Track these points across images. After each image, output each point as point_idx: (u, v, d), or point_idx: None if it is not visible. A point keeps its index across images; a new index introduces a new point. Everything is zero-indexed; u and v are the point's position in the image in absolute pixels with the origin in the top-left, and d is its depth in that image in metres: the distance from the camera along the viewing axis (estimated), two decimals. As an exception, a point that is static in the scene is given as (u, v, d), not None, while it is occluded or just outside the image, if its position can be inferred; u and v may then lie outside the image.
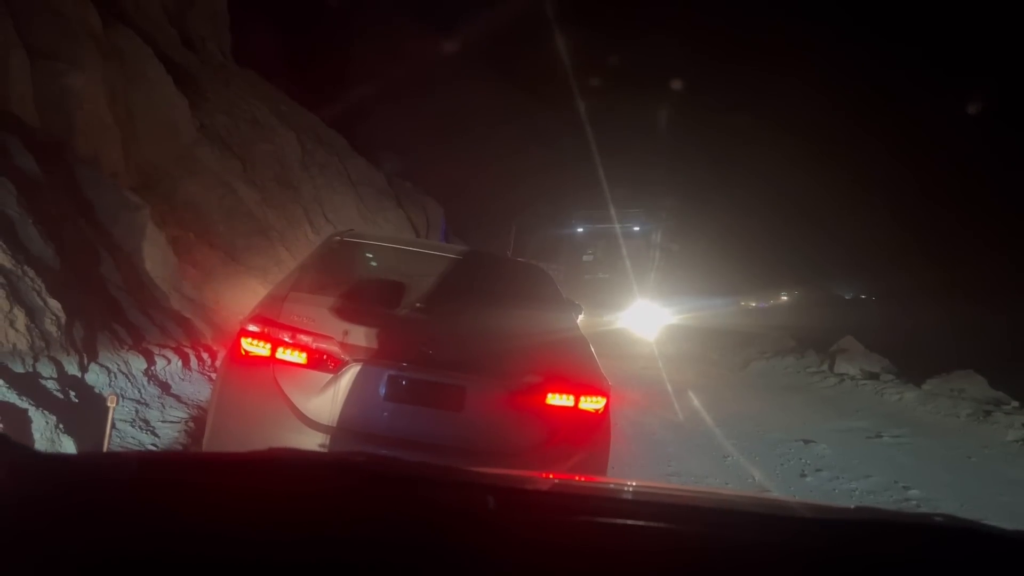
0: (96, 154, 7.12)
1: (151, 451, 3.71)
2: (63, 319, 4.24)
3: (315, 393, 2.80)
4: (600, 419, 3.03)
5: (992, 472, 6.10)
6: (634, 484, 1.32)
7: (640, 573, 0.76)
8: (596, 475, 2.94)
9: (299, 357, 2.84)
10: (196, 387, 5.09)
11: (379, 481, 0.86)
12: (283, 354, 2.84)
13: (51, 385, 3.81)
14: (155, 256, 6.52)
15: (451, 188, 17.84)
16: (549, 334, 3.42)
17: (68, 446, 3.34)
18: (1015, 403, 8.80)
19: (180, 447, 4.04)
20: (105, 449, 3.13)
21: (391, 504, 0.78)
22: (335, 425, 2.79)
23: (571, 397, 2.94)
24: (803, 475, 5.38)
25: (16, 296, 4.01)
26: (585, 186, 18.20)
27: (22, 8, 6.66)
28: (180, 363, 5.23)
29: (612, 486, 1.26)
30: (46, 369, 3.91)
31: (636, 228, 17.27)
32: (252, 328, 2.89)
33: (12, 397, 3.37)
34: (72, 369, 4.13)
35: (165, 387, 4.81)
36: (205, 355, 5.74)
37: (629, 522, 0.86)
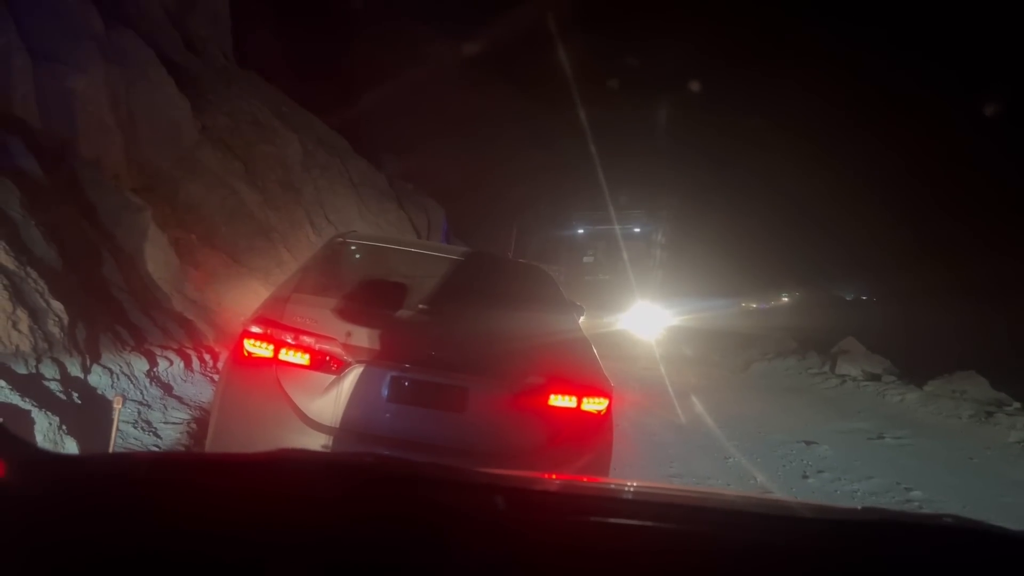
0: (98, 156, 7.13)
1: (161, 452, 3.72)
2: (66, 320, 4.25)
3: (318, 394, 2.81)
4: (603, 420, 3.03)
5: (994, 473, 6.10)
6: (641, 485, 1.32)
7: (652, 574, 0.76)
8: (599, 476, 2.94)
9: (302, 358, 2.84)
10: (198, 388, 5.10)
11: (390, 482, 0.87)
12: (286, 355, 2.84)
13: (54, 386, 3.81)
14: (157, 258, 6.53)
15: (452, 189, 17.84)
16: (551, 335, 3.42)
17: (71, 447, 3.35)
18: (1017, 404, 8.79)
19: (182, 448, 4.05)
20: (111, 450, 3.14)
21: (402, 505, 0.78)
22: (338, 426, 2.79)
23: (574, 398, 2.95)
24: (805, 476, 5.38)
25: (19, 297, 4.02)
26: (586, 187, 18.21)
27: (24, 10, 6.68)
28: (182, 364, 5.24)
29: (619, 487, 1.26)
30: (49, 370, 3.92)
31: (637, 229, 17.27)
32: (255, 329, 2.89)
33: (15, 398, 3.37)
34: (75, 370, 4.14)
35: (167, 388, 4.81)
36: (207, 356, 5.74)
37: (638, 523, 0.86)
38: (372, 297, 3.29)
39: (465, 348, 3.07)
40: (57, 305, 4.24)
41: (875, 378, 10.80)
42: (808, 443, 6.36)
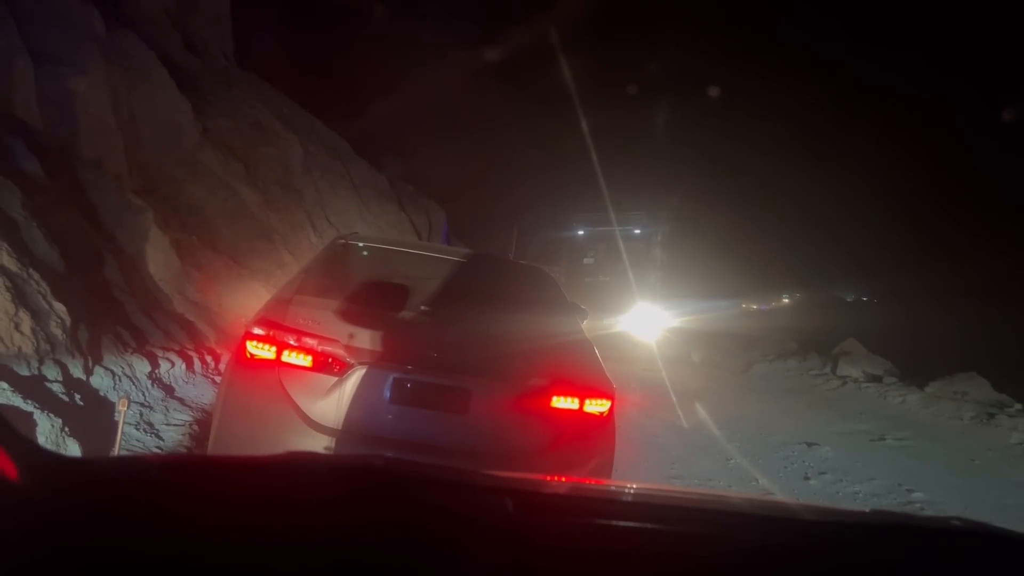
0: (99, 157, 7.14)
1: (169, 454, 3.72)
2: (68, 322, 4.25)
3: (320, 396, 2.81)
4: (605, 422, 3.03)
5: (996, 475, 6.09)
6: (645, 488, 1.32)
7: None
8: (602, 477, 2.94)
9: (304, 360, 2.84)
10: (200, 390, 5.10)
11: (399, 484, 0.87)
12: (288, 357, 2.84)
13: (56, 388, 3.81)
14: (158, 259, 6.53)
15: (453, 191, 17.86)
16: (554, 337, 3.42)
17: (73, 449, 3.35)
18: (1018, 406, 8.78)
19: (184, 450, 4.04)
20: (116, 452, 3.13)
21: (410, 508, 0.78)
22: (340, 428, 2.79)
23: (576, 400, 2.94)
24: (807, 478, 5.37)
25: (21, 299, 4.02)
26: (586, 188, 18.21)
27: (26, 12, 6.68)
28: (184, 366, 5.24)
29: (623, 490, 1.26)
30: (51, 372, 3.92)
31: (637, 231, 17.25)
32: (257, 331, 2.89)
33: (17, 400, 3.37)
34: (77, 372, 4.14)
35: (169, 390, 4.81)
36: (208, 358, 5.74)
37: (643, 526, 0.87)
38: (374, 299, 3.28)
39: (467, 350, 3.07)
40: (59, 307, 4.25)
41: (876, 379, 10.80)
42: (809, 444, 6.36)
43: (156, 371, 4.87)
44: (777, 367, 12.50)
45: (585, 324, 3.89)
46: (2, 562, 0.60)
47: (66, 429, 3.38)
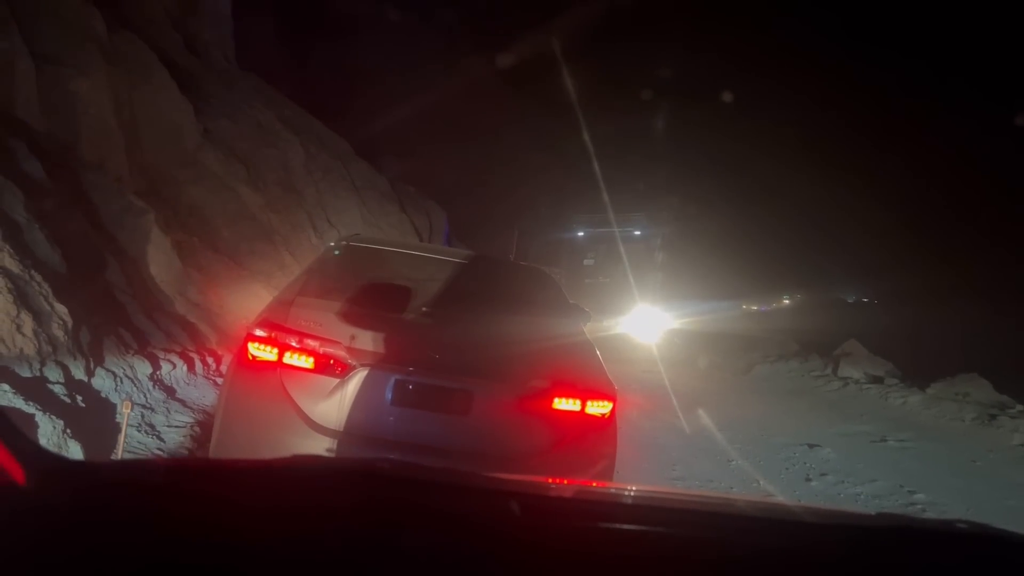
0: (101, 159, 7.14)
1: (176, 458, 3.72)
2: (69, 323, 4.25)
3: (322, 398, 2.81)
4: (607, 423, 3.03)
5: (998, 476, 6.08)
6: (649, 490, 1.32)
7: None
8: (604, 479, 2.94)
9: (306, 362, 2.84)
10: (201, 392, 5.10)
11: (405, 487, 0.87)
12: (290, 359, 2.84)
13: (58, 390, 3.81)
14: (160, 260, 6.53)
15: (454, 192, 17.88)
16: (555, 338, 3.42)
17: (75, 451, 3.34)
18: (1020, 407, 8.77)
19: (186, 452, 4.04)
20: (119, 454, 3.14)
21: (419, 511, 0.78)
22: (342, 430, 2.79)
23: (578, 402, 2.95)
24: (808, 479, 5.37)
25: (23, 300, 4.02)
26: (587, 189, 18.22)
27: (28, 14, 6.69)
28: (185, 368, 5.24)
29: (628, 493, 1.26)
30: (53, 373, 3.92)
31: (637, 232, 17.24)
32: (259, 333, 2.90)
33: (19, 402, 3.37)
34: (79, 374, 4.14)
35: (170, 392, 4.81)
36: (210, 359, 5.74)
37: (648, 529, 0.86)
38: (375, 300, 3.29)
39: (469, 351, 3.07)
40: (61, 308, 4.25)
41: (877, 381, 10.79)
42: (811, 446, 6.35)
43: (157, 373, 4.87)
44: (778, 368, 12.49)
45: (586, 326, 3.89)
46: (12, 566, 0.60)
47: (68, 431, 3.38)
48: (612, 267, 16.81)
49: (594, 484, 2.09)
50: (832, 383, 10.99)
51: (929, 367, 10.91)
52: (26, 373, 3.76)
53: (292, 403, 2.81)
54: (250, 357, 2.88)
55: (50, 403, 3.57)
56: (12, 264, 4.13)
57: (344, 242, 3.97)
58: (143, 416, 4.25)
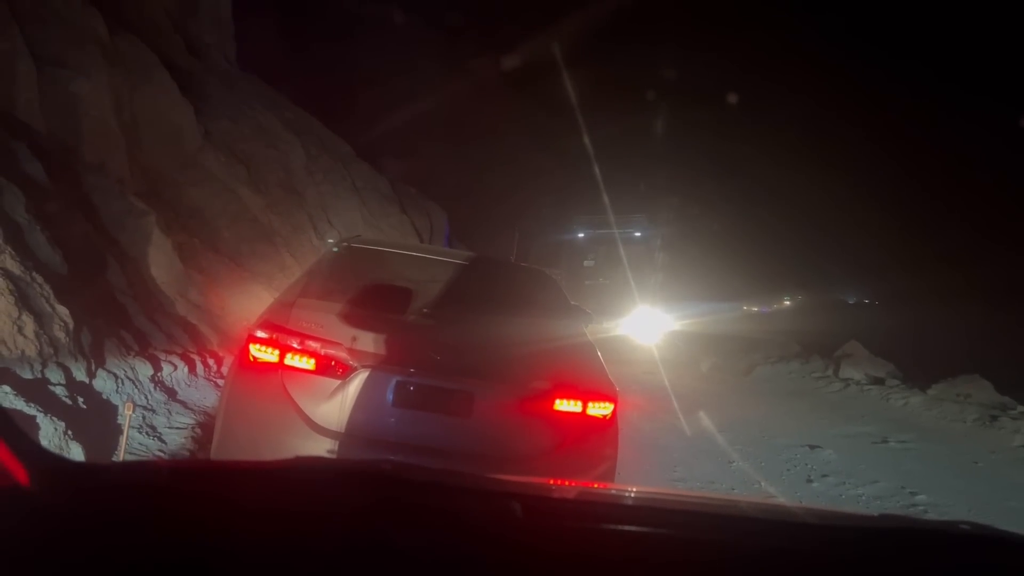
0: (102, 160, 7.15)
1: (179, 460, 3.72)
2: (71, 325, 4.25)
3: (323, 399, 2.81)
4: (608, 425, 3.03)
5: (999, 477, 6.08)
6: (652, 492, 1.32)
7: None
8: (605, 480, 2.94)
9: (307, 363, 2.84)
10: (202, 393, 5.10)
11: (407, 489, 0.87)
12: (291, 360, 2.85)
13: (59, 391, 3.81)
14: (161, 262, 6.54)
15: (455, 193, 17.89)
16: (557, 340, 3.42)
17: (76, 452, 3.34)
18: (1022, 408, 8.76)
19: (187, 453, 4.04)
20: (121, 456, 3.14)
21: (422, 513, 0.78)
22: (343, 431, 2.79)
23: (579, 403, 2.94)
24: (810, 480, 5.36)
25: (24, 302, 4.02)
26: (588, 190, 18.23)
27: (29, 15, 6.70)
28: (186, 369, 5.24)
29: (631, 494, 1.26)
30: (54, 375, 3.92)
31: (637, 233, 17.22)
32: (261, 334, 2.90)
33: (20, 403, 3.37)
34: (80, 375, 4.14)
35: (171, 393, 4.81)
36: (211, 361, 5.74)
37: (653, 531, 0.86)
38: (377, 302, 3.29)
39: (470, 353, 3.07)
40: (62, 310, 4.25)
41: (879, 382, 10.78)
42: (812, 447, 6.35)
43: (159, 374, 4.87)
44: (779, 370, 12.48)
45: (588, 327, 3.88)
46: (14, 567, 0.60)
47: (69, 432, 3.38)
48: (612, 268, 16.78)
49: (596, 485, 2.09)
50: (833, 384, 10.98)
51: (930, 368, 10.91)
52: (27, 375, 3.77)
53: (293, 404, 2.81)
54: (251, 358, 2.88)
55: (51, 405, 3.57)
56: (13, 266, 4.14)
57: (345, 243, 3.97)
58: (144, 417, 4.25)
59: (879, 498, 5.06)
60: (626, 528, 0.88)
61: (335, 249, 3.92)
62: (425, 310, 3.29)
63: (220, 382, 5.34)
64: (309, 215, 10.74)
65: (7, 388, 3.43)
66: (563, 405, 2.92)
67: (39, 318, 4.07)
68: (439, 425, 2.84)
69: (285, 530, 0.70)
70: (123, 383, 4.43)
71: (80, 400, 3.88)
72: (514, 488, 0.97)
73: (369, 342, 2.87)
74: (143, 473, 0.88)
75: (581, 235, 17.93)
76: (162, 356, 5.13)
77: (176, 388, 4.94)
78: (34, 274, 4.25)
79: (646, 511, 1.10)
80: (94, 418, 3.82)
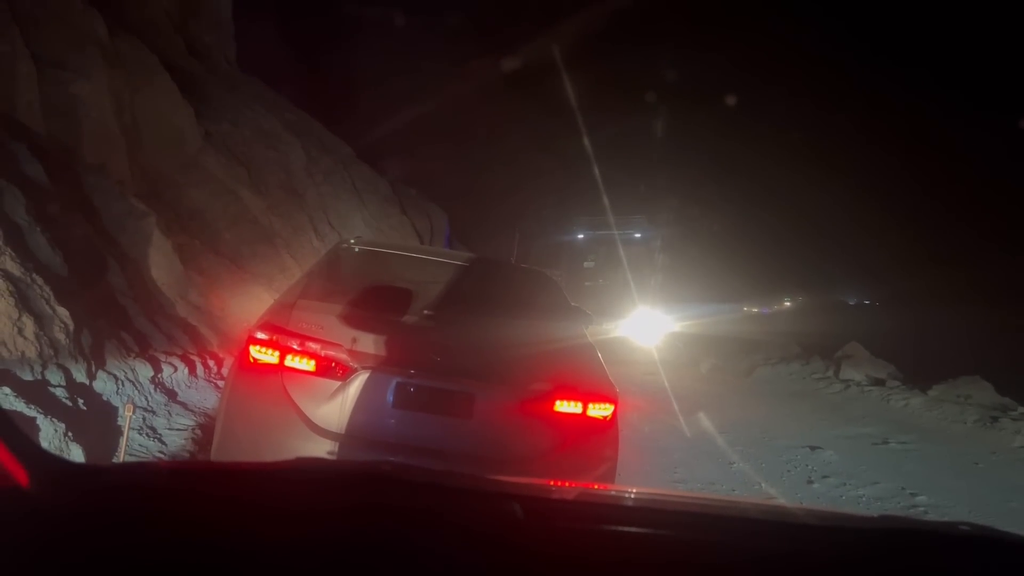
0: (103, 162, 7.15)
1: (179, 461, 3.71)
2: (71, 326, 4.25)
3: (324, 400, 2.81)
4: (608, 426, 3.03)
5: (1000, 478, 6.07)
6: (653, 493, 1.32)
7: None
8: (606, 482, 2.94)
9: (308, 364, 2.84)
10: (202, 394, 5.10)
11: (407, 490, 0.87)
12: (292, 361, 2.84)
13: (59, 393, 3.81)
14: (161, 263, 6.54)
15: (455, 194, 17.89)
16: (557, 341, 3.42)
17: (76, 454, 3.34)
18: (1022, 409, 8.76)
19: (188, 455, 4.04)
20: (121, 457, 3.13)
21: (422, 514, 0.78)
22: (343, 432, 2.79)
23: (579, 404, 2.94)
24: (810, 481, 5.36)
25: (24, 303, 4.02)
26: (588, 191, 18.24)
27: (29, 17, 6.71)
28: (186, 370, 5.24)
29: (631, 495, 1.26)
30: (54, 377, 3.92)
31: (637, 234, 17.22)
32: (261, 336, 2.89)
33: (20, 405, 3.37)
34: (80, 377, 4.14)
35: (172, 394, 4.81)
36: (211, 362, 5.74)
37: (654, 532, 0.86)
38: (377, 303, 3.28)
39: (470, 354, 3.07)
40: (62, 311, 4.25)
41: (879, 383, 10.78)
42: (813, 448, 6.34)
43: (159, 375, 4.87)
44: (780, 371, 12.47)
45: (588, 329, 3.88)
46: (15, 568, 0.59)
47: (69, 434, 3.38)
48: (612, 269, 16.78)
49: (596, 487, 2.09)
50: (834, 385, 10.98)
51: (931, 369, 10.91)
52: (28, 376, 3.77)
53: (294, 406, 2.81)
54: (252, 360, 2.88)
55: (52, 406, 3.57)
56: (13, 267, 4.14)
57: (345, 245, 3.97)
58: (145, 419, 4.25)
59: (880, 499, 5.06)
60: (626, 529, 0.88)
61: (336, 251, 3.92)
62: (425, 311, 3.29)
63: (220, 383, 5.34)
64: (309, 217, 10.74)
65: (7, 390, 3.43)
66: (563, 406, 2.92)
67: (39, 319, 4.07)
68: (439, 426, 2.84)
69: (285, 531, 0.70)
70: (123, 384, 4.43)
71: (80, 401, 3.88)
72: (514, 489, 0.97)
73: (369, 343, 2.87)
74: (143, 474, 0.88)
75: (581, 236, 17.93)
76: (162, 357, 5.13)
77: (176, 389, 4.94)
78: (34, 275, 4.25)
79: (646, 512, 1.10)
80: (94, 419, 3.82)
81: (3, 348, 3.78)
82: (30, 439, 0.74)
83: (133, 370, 4.66)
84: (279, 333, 2.89)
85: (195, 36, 11.86)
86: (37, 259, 4.52)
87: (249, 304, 7.09)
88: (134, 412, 3.09)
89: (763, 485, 5.16)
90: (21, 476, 0.66)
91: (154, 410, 4.45)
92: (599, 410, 2.97)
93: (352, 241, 4.09)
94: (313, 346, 2.85)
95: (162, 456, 3.93)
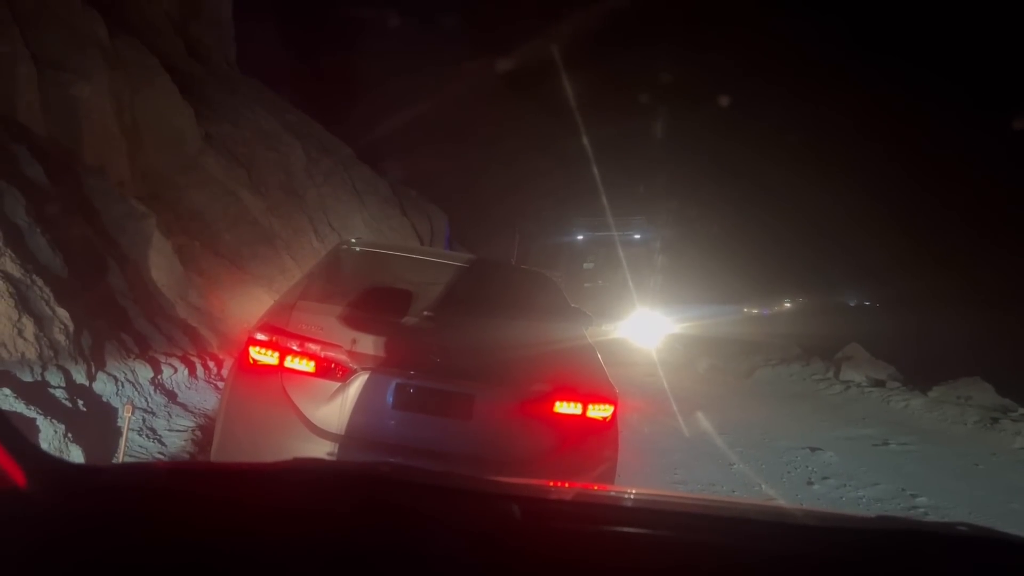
0: (103, 163, 7.15)
1: (178, 461, 3.71)
2: (71, 328, 4.25)
3: (323, 402, 2.80)
4: (608, 427, 3.03)
5: (1001, 479, 6.07)
6: (653, 494, 1.32)
7: None
8: (605, 483, 2.94)
9: (307, 366, 2.84)
10: (202, 396, 5.10)
11: (407, 491, 0.87)
12: (291, 363, 2.84)
13: (59, 394, 3.81)
14: (161, 265, 6.54)
15: (455, 195, 17.91)
16: (557, 342, 3.42)
17: (76, 455, 3.34)
18: (1022, 410, 8.75)
19: (187, 456, 4.04)
20: (121, 458, 3.13)
21: (420, 515, 0.78)
22: (343, 433, 2.79)
23: (579, 405, 2.94)
24: (810, 483, 5.36)
25: (24, 305, 4.02)
26: (588, 192, 18.24)
27: (30, 18, 6.71)
28: (186, 372, 5.24)
29: (631, 496, 1.26)
30: (54, 378, 3.92)
31: (637, 235, 17.19)
32: (260, 337, 2.89)
33: (20, 406, 3.37)
34: (80, 378, 4.14)
35: (171, 396, 4.81)
36: (211, 363, 5.74)
37: (653, 533, 0.86)
38: (377, 304, 3.28)
39: (470, 355, 3.06)
40: (62, 312, 4.25)
41: (879, 384, 10.78)
42: (813, 449, 6.34)
43: (159, 377, 4.87)
44: (780, 372, 12.47)
45: (588, 330, 3.88)
46: (14, 569, 0.59)
47: (69, 435, 3.38)
48: (612, 271, 16.74)
49: (595, 487, 2.09)
50: (834, 387, 10.98)
51: (931, 371, 10.91)
52: (27, 377, 3.77)
53: (293, 407, 2.81)
54: (251, 361, 2.88)
55: (51, 407, 3.57)
56: (14, 268, 4.14)
57: (345, 246, 3.97)
58: (144, 420, 4.25)
59: (880, 500, 5.06)
60: (626, 530, 0.88)
61: (336, 253, 3.92)
62: (425, 312, 3.29)
63: (220, 385, 5.34)
64: (309, 218, 10.74)
65: (7, 391, 3.43)
66: (563, 407, 2.92)
67: (39, 321, 4.07)
68: (439, 428, 2.84)
69: (284, 532, 0.70)
70: (123, 385, 4.43)
71: (80, 403, 3.87)
72: (513, 490, 0.97)
73: (369, 344, 2.87)
74: (143, 475, 0.88)
75: (580, 237, 17.90)
76: (162, 359, 5.13)
77: (176, 391, 4.94)
78: (34, 277, 4.25)
79: (646, 513, 1.10)
80: (94, 421, 3.82)
81: (3, 349, 3.78)
82: (29, 440, 0.74)
83: (133, 371, 4.66)
84: (279, 334, 2.89)
85: (195, 37, 11.86)
86: (37, 260, 4.52)
87: (249, 305, 7.10)
88: (133, 413, 3.09)
89: (763, 486, 5.16)
90: (20, 477, 0.66)
91: (154, 411, 4.45)
92: (599, 411, 2.97)
93: (352, 242, 4.09)
94: (313, 347, 2.85)
95: (162, 457, 3.93)
